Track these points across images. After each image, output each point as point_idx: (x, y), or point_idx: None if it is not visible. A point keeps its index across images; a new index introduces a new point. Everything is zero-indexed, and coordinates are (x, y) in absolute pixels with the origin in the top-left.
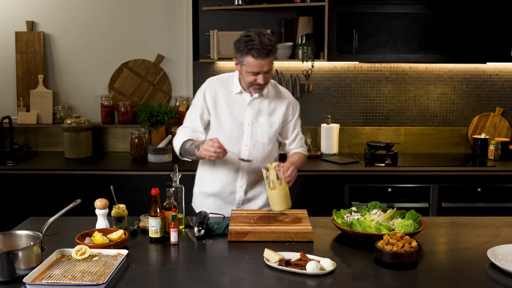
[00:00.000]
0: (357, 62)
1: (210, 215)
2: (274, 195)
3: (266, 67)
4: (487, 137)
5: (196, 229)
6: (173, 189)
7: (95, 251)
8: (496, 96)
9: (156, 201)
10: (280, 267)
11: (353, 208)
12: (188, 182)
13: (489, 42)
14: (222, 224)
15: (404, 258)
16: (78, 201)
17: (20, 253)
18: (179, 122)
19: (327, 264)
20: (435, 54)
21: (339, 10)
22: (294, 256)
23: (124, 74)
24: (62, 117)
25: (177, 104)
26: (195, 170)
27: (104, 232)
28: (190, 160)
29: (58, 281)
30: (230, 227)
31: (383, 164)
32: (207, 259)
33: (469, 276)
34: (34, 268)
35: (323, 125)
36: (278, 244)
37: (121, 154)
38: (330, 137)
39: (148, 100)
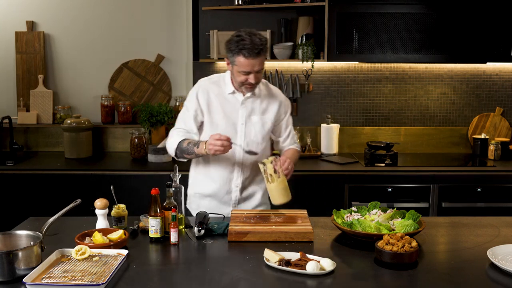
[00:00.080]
0: (357, 62)
1: (210, 215)
2: (273, 189)
3: (257, 67)
4: (487, 137)
5: (196, 229)
6: (173, 189)
7: (95, 251)
8: (496, 96)
9: (156, 201)
10: (280, 267)
11: (353, 208)
12: (188, 182)
13: (489, 42)
14: (222, 224)
15: (404, 258)
16: (78, 201)
17: (20, 253)
18: None
19: (327, 264)
20: (435, 54)
21: (339, 10)
22: (294, 256)
23: (124, 74)
24: (62, 117)
25: (177, 104)
26: None
27: (104, 232)
28: (185, 160)
29: (58, 281)
30: (230, 227)
31: (383, 164)
32: (207, 259)
33: (469, 276)
34: (34, 268)
35: (323, 125)
36: (278, 244)
37: (121, 154)
38: (330, 137)
39: (148, 100)
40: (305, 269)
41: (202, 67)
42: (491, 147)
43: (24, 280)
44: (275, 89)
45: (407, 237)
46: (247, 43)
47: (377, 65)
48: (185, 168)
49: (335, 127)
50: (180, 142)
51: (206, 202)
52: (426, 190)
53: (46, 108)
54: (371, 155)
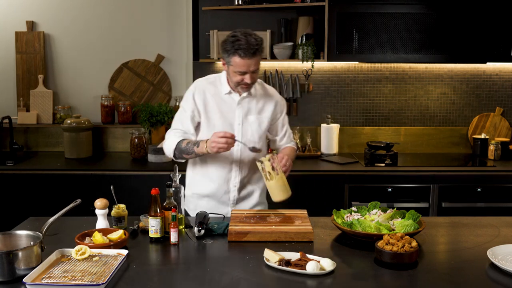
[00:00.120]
0: (357, 62)
1: (210, 215)
2: (272, 186)
3: (253, 67)
4: (487, 137)
5: (196, 229)
6: (173, 189)
7: (95, 251)
8: (496, 96)
9: (156, 201)
10: (280, 267)
11: (353, 208)
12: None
13: (489, 42)
14: (222, 224)
15: (404, 258)
16: (78, 201)
17: (20, 253)
18: None
19: (327, 264)
20: (435, 54)
21: (339, 10)
22: (294, 256)
23: (124, 74)
24: (62, 117)
25: (177, 104)
26: None
27: (104, 232)
28: (183, 161)
29: (58, 281)
30: (230, 227)
31: (383, 164)
32: (207, 259)
33: (469, 276)
34: (34, 268)
35: (323, 125)
36: (278, 244)
37: (121, 154)
38: (330, 137)
39: (148, 100)
40: (305, 269)
41: (202, 67)
42: (491, 147)
43: (24, 280)
44: (270, 89)
45: (407, 237)
46: (243, 43)
47: (377, 65)
48: (184, 168)
49: (335, 127)
50: (178, 142)
51: (204, 202)
52: (426, 190)
53: (46, 108)
54: (371, 155)
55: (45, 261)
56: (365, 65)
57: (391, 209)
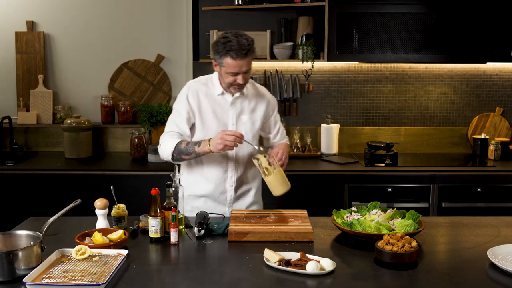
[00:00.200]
0: (357, 62)
1: (210, 215)
2: (271, 181)
3: (245, 67)
4: (487, 137)
5: (196, 229)
6: (173, 189)
7: (95, 251)
8: (496, 96)
9: (156, 201)
10: (280, 267)
11: (353, 208)
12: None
13: (489, 42)
14: (222, 224)
15: (404, 258)
16: (78, 201)
17: (20, 253)
18: None
19: (327, 264)
20: (435, 54)
21: (339, 10)
22: (294, 256)
23: (124, 74)
24: (62, 117)
25: None
26: None
27: (104, 232)
28: (181, 162)
29: (58, 281)
30: (230, 227)
31: (383, 164)
32: (207, 259)
33: (469, 276)
34: (34, 268)
35: (323, 125)
36: (278, 244)
37: (121, 154)
38: (330, 137)
39: (148, 100)
40: (305, 269)
41: (202, 67)
42: (491, 147)
43: (24, 280)
44: (261, 88)
45: (407, 237)
46: (234, 44)
47: (377, 65)
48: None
49: (335, 127)
50: (177, 144)
51: (201, 203)
52: (426, 190)
53: (46, 108)
54: (371, 155)
55: (45, 261)
56: (365, 65)
57: (391, 209)
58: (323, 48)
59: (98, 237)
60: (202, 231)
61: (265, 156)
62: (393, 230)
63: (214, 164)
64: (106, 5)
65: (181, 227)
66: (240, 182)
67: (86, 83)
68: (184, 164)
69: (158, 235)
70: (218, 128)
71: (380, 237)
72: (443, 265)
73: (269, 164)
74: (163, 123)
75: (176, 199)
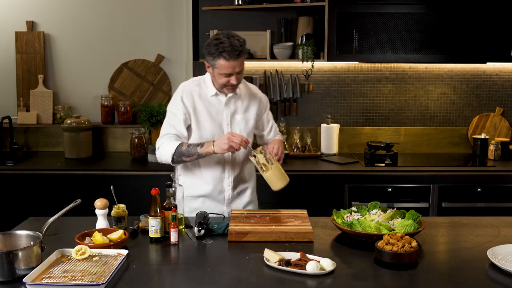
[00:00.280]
0: (357, 62)
1: (210, 215)
2: (270, 176)
3: (238, 68)
4: (487, 137)
5: (196, 229)
6: (173, 189)
7: (95, 251)
8: (496, 96)
9: (156, 201)
10: (280, 267)
11: (353, 208)
12: None
13: (489, 42)
14: (222, 224)
15: (404, 258)
16: (78, 201)
17: (20, 253)
18: None
19: (327, 264)
20: (435, 54)
21: (339, 10)
22: (294, 256)
23: (124, 74)
24: (62, 117)
25: None
26: None
27: (104, 232)
28: (179, 164)
29: (58, 281)
30: (230, 227)
31: (383, 164)
32: (207, 259)
33: (469, 276)
34: (34, 268)
35: (323, 125)
36: (278, 244)
37: (121, 154)
38: (330, 137)
39: (148, 100)
40: (305, 269)
41: (202, 67)
42: (491, 147)
43: (24, 280)
44: (253, 87)
45: (407, 237)
46: (227, 45)
47: (377, 65)
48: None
49: (335, 127)
50: (178, 146)
51: (199, 203)
52: (426, 190)
53: (46, 108)
54: (371, 155)
55: (45, 261)
56: (365, 65)
57: (391, 209)
58: (323, 48)
59: (98, 237)
60: (202, 231)
61: (261, 153)
62: (393, 230)
63: (211, 165)
64: (106, 5)
65: (181, 227)
66: (237, 181)
67: (86, 83)
68: (180, 166)
69: (158, 235)
70: (213, 129)
71: (380, 237)
72: (443, 265)
73: (266, 160)
74: (163, 123)
75: (175, 199)
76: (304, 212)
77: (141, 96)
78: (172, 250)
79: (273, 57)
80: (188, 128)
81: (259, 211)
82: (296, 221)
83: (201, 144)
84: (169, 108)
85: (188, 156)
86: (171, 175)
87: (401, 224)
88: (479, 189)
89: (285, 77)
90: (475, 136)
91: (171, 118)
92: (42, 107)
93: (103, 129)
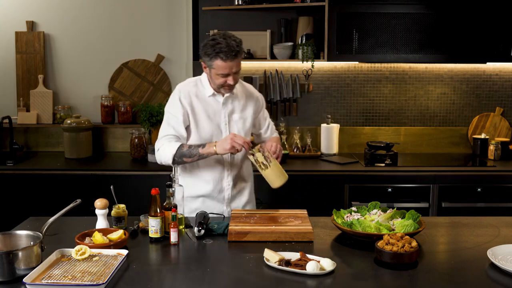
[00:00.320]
0: (357, 62)
1: (210, 215)
2: (268, 174)
3: (235, 68)
4: (487, 137)
5: (196, 229)
6: (173, 189)
7: (95, 251)
8: (496, 96)
9: (156, 201)
10: (280, 267)
11: (353, 208)
12: None
13: (489, 42)
14: (222, 224)
15: (404, 258)
16: (78, 201)
17: (20, 253)
18: None
19: (327, 264)
20: (435, 54)
21: (339, 10)
22: (294, 256)
23: (124, 74)
24: (62, 117)
25: None
26: None
27: (104, 232)
28: (179, 166)
29: (58, 281)
30: (230, 227)
31: (383, 164)
32: (207, 259)
33: (469, 276)
34: (34, 268)
35: (323, 125)
36: (278, 244)
37: (121, 154)
38: (330, 137)
39: (148, 100)
40: (305, 269)
41: None
42: (491, 147)
43: (24, 280)
44: (249, 86)
45: (407, 237)
46: (223, 46)
47: (377, 65)
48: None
49: (335, 127)
50: (179, 147)
51: (199, 203)
52: (426, 190)
53: (46, 108)
54: (371, 155)
55: (45, 261)
56: (365, 65)
57: (391, 209)
58: (323, 48)
59: (98, 237)
60: (202, 231)
61: (260, 151)
62: (393, 230)
63: (211, 164)
64: (106, 5)
65: (181, 227)
66: (236, 180)
67: (86, 83)
68: (179, 166)
69: (158, 235)
70: (211, 129)
71: (380, 237)
72: (443, 265)
73: (265, 158)
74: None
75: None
76: (304, 212)
77: (141, 96)
78: (172, 250)
79: (273, 57)
80: (187, 128)
81: (259, 211)
82: (296, 221)
83: (202, 145)
84: (167, 109)
85: (189, 157)
86: (171, 175)
87: (401, 224)
88: (479, 189)
89: (285, 77)
90: (475, 136)
91: (170, 119)
92: (42, 107)
93: (103, 129)
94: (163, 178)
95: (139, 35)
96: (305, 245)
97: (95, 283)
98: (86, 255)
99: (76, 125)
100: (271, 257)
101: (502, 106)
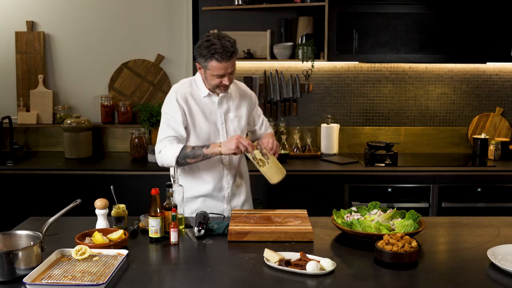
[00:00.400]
0: (357, 62)
1: (210, 215)
2: (266, 171)
3: (230, 69)
4: (487, 137)
5: (196, 229)
6: (173, 189)
7: (95, 251)
8: (496, 96)
9: (156, 201)
10: (280, 267)
11: (353, 208)
12: None
13: (489, 42)
14: (222, 224)
15: (404, 258)
16: (78, 201)
17: (20, 253)
18: None
19: (327, 264)
20: (435, 54)
21: (339, 10)
22: (294, 256)
23: (124, 74)
24: (62, 117)
25: None
26: None
27: (104, 232)
28: (181, 166)
29: (58, 281)
30: (230, 227)
31: (383, 164)
32: (207, 259)
33: (469, 276)
34: (34, 268)
35: (323, 125)
36: (278, 244)
37: (121, 154)
38: (330, 137)
39: (148, 100)
40: (305, 269)
41: None
42: (491, 147)
43: (24, 280)
44: (242, 85)
45: (407, 237)
46: (218, 47)
47: (377, 65)
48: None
49: (335, 127)
50: (182, 148)
51: (198, 203)
52: (426, 190)
53: (46, 108)
54: (371, 155)
55: (45, 261)
56: (365, 65)
57: (391, 209)
58: (323, 48)
59: (98, 237)
60: (202, 231)
61: (257, 148)
62: (393, 230)
63: (210, 164)
64: (106, 5)
65: (181, 227)
66: (235, 178)
67: (86, 83)
68: (176, 167)
69: (158, 235)
70: (209, 129)
71: (380, 237)
72: (443, 265)
73: (263, 155)
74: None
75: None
76: (304, 212)
77: (141, 96)
78: (172, 250)
79: (273, 57)
80: (185, 129)
81: (259, 211)
82: (296, 221)
83: (206, 146)
84: (165, 110)
85: (193, 158)
86: (171, 175)
87: (401, 224)
88: (479, 189)
89: (285, 77)
90: (475, 136)
91: (168, 120)
92: (42, 107)
93: (103, 129)
94: (163, 178)
95: (139, 35)
96: (305, 245)
97: (95, 283)
98: (86, 255)
99: (76, 125)
100: (271, 257)
101: (502, 106)
